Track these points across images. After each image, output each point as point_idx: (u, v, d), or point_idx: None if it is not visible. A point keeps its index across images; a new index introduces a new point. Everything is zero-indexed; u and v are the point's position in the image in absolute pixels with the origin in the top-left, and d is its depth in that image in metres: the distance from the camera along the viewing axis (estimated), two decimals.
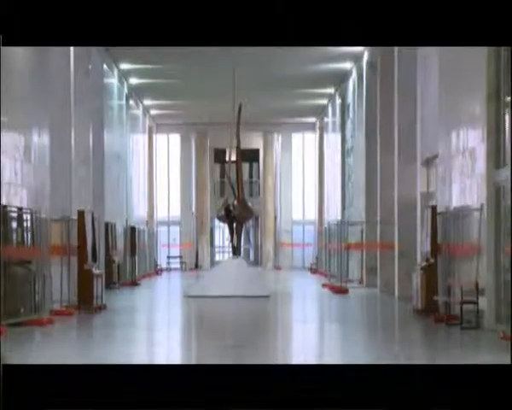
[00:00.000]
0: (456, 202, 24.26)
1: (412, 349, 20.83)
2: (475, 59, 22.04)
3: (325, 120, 57.09)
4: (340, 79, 45.89)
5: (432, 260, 25.66)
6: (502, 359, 17.52)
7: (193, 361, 20.06)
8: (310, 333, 25.44)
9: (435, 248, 25.57)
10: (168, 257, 63.98)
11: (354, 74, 42.81)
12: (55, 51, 28.64)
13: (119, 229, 42.44)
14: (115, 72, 43.02)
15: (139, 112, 53.61)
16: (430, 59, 27.43)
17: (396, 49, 32.08)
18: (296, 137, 65.86)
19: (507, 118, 20.69)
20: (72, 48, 31.26)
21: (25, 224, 24.10)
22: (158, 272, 57.52)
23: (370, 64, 38.00)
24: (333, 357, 20.18)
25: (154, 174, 62.00)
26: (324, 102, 53.76)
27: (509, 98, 20.48)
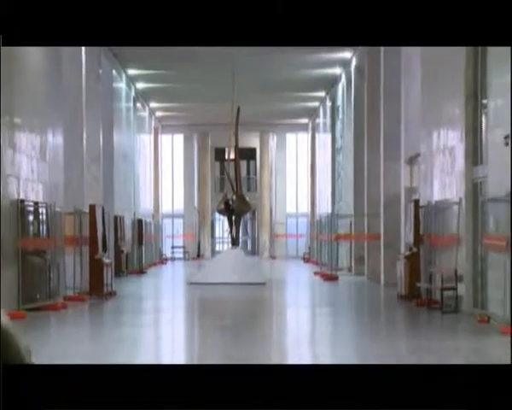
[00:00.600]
0: (436, 196, 24.36)
1: (393, 326, 20.97)
2: (455, 62, 22.10)
3: (317, 121, 57.18)
4: (330, 83, 45.94)
5: (415, 250, 25.78)
6: (478, 340, 17.62)
7: (195, 342, 20.13)
8: (302, 316, 25.53)
9: (418, 239, 25.68)
10: (172, 247, 64.01)
11: (343, 79, 42.86)
12: (67, 57, 28.70)
13: (127, 221, 42.48)
14: (123, 77, 43.08)
15: (145, 114, 53.65)
16: (413, 63, 27.50)
17: (382, 54, 32.11)
18: (290, 137, 65.95)
19: (483, 119, 20.79)
20: (83, 54, 31.32)
21: (40, 217, 24.21)
22: (163, 261, 57.55)
23: (358, 69, 38.02)
24: (323, 339, 20.26)
25: (160, 171, 62.02)
26: (316, 104, 53.83)
27: (485, 100, 20.56)
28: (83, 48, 31.32)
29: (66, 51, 28.34)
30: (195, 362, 16.83)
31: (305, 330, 22.32)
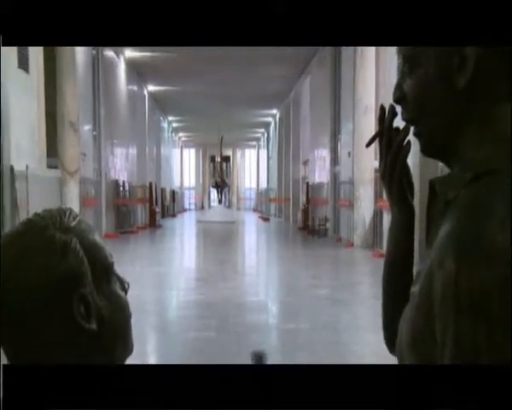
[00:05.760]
0: (316, 180, 24.63)
1: (296, 242, 21.20)
2: (326, 115, 22.31)
3: (260, 143, 57.23)
4: (266, 125, 46.01)
5: (306, 206, 26.04)
6: (335, 250, 17.55)
7: (201, 250, 20.15)
8: (252, 234, 25.81)
9: (307, 201, 25.94)
10: (189, 204, 63.95)
11: (273, 123, 42.93)
12: (139, 109, 28.67)
13: (168, 191, 42.51)
14: (166, 120, 42.95)
15: (176, 138, 53.44)
16: (306, 116, 27.68)
17: (291, 112, 32.27)
18: (247, 151, 65.79)
19: (339, 144, 21.05)
20: (147, 109, 31.23)
21: (125, 188, 24.29)
22: (185, 210, 57.45)
23: (280, 119, 38.19)
24: (262, 247, 20.47)
25: (182, 167, 61.95)
26: (259, 135, 53.88)
27: (339, 135, 20.78)
28: (146, 105, 31.22)
29: (138, 105, 28.32)
30: (201, 262, 16.71)
31: (254, 243, 22.60)
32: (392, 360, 1.06)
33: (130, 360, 1.06)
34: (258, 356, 1.20)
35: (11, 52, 11.51)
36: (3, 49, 10.98)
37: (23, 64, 11.99)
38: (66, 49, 15.73)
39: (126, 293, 1.04)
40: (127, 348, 1.02)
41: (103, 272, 1.00)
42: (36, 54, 12.75)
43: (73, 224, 0.99)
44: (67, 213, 1.00)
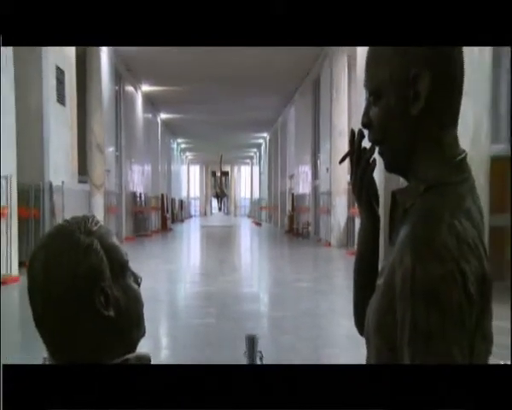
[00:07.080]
0: (300, 191, 24.62)
1: (283, 243, 21.17)
2: (307, 137, 22.33)
3: (253, 161, 57.30)
4: (258, 145, 46.01)
5: (292, 213, 26.00)
6: (316, 248, 17.30)
7: (204, 250, 20.04)
8: (247, 237, 25.74)
9: (293, 208, 25.90)
10: (194, 211, 63.77)
11: (263, 144, 42.97)
12: (153, 134, 28.62)
13: (177, 200, 42.41)
14: (175, 142, 42.90)
15: (184, 157, 53.39)
16: (291, 137, 27.72)
17: (279, 134, 32.28)
18: (242, 167, 65.84)
19: (318, 161, 21.05)
20: (159, 134, 31.17)
21: (142, 198, 24.20)
22: (191, 217, 57.24)
23: (269, 140, 38.21)
24: (255, 246, 20.38)
25: (189, 180, 61.90)
26: (253, 154, 53.95)
27: (319, 154, 20.79)
28: (159, 130, 31.16)
29: (152, 130, 28.28)
30: (205, 259, 16.55)
31: (248, 243, 22.54)
32: (360, 340, 1.07)
33: (142, 343, 1.03)
34: (251, 339, 1.19)
35: (52, 90, 11.82)
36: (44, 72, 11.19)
37: (60, 99, 12.36)
38: (95, 85, 15.88)
39: (139, 286, 1.04)
40: (140, 332, 1.02)
41: (120, 268, 1.00)
42: (70, 90, 12.99)
43: (95, 228, 1.00)
44: (90, 220, 1.01)
